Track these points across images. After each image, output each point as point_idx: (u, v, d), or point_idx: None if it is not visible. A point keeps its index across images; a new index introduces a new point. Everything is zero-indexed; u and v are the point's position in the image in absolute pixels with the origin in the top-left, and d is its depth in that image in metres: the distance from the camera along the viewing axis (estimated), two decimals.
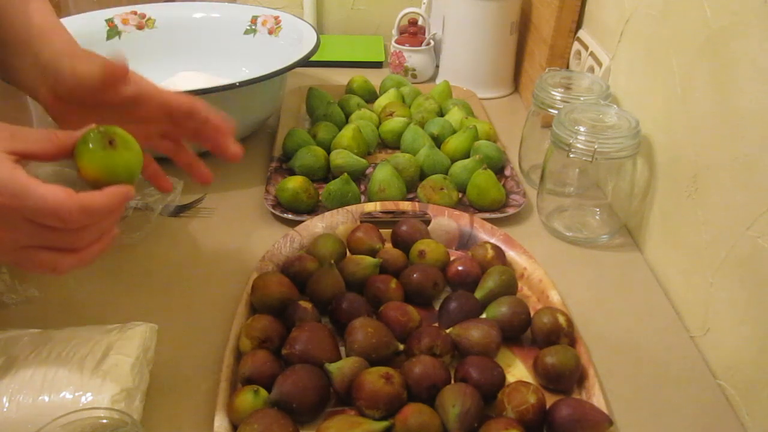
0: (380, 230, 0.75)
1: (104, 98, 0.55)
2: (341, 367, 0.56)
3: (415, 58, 1.22)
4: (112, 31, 1.07)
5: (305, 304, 0.63)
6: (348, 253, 0.73)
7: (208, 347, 0.63)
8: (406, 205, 0.80)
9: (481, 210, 0.83)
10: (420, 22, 1.26)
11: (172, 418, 0.56)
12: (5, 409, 0.50)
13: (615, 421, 0.56)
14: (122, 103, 0.56)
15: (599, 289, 0.73)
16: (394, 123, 0.97)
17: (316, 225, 0.76)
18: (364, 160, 0.89)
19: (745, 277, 0.59)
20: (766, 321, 0.56)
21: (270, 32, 1.10)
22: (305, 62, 0.91)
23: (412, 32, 1.23)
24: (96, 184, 0.47)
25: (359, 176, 0.88)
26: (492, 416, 0.55)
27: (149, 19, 1.10)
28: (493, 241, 0.75)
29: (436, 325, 0.65)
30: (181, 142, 0.63)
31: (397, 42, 1.23)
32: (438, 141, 0.94)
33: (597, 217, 0.84)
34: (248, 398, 0.53)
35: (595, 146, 0.72)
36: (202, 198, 0.86)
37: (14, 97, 1.05)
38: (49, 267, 0.47)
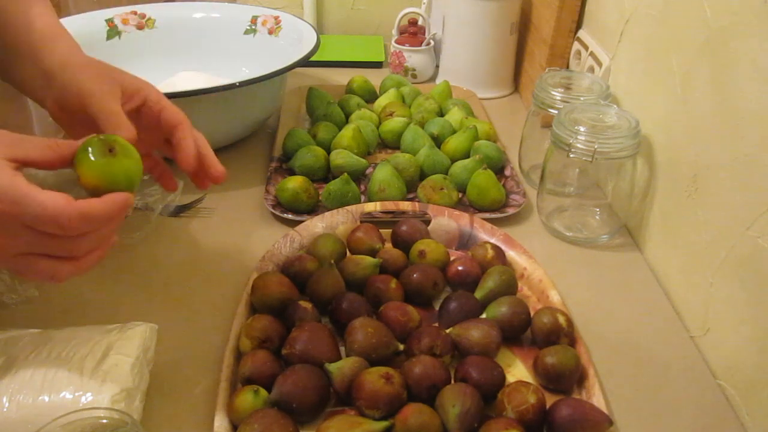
0: (380, 230, 0.75)
1: None
2: (341, 367, 0.56)
3: (415, 58, 1.22)
4: (112, 31, 1.07)
5: (305, 304, 0.63)
6: (348, 253, 0.73)
7: (208, 347, 0.63)
8: (406, 205, 0.80)
9: (481, 210, 0.83)
10: (420, 22, 1.26)
11: (172, 418, 0.56)
12: (5, 409, 0.50)
13: (615, 421, 0.56)
14: (128, 114, 0.56)
15: (599, 289, 0.73)
16: (394, 123, 0.97)
17: (316, 225, 0.76)
18: (364, 160, 0.89)
19: (745, 277, 0.59)
20: (766, 321, 0.56)
21: (270, 32, 1.10)
22: (305, 62, 0.92)
23: (412, 32, 1.23)
24: (96, 192, 0.47)
25: (359, 176, 0.88)
26: (492, 416, 0.55)
27: (149, 19, 1.10)
28: (493, 241, 0.75)
29: (436, 325, 0.65)
30: None
31: (397, 42, 1.23)
32: (438, 141, 0.94)
33: (597, 217, 0.84)
34: (248, 398, 0.53)
35: (595, 146, 0.72)
36: (202, 198, 0.86)
37: (14, 99, 1.05)
38: (48, 274, 0.47)
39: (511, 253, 0.74)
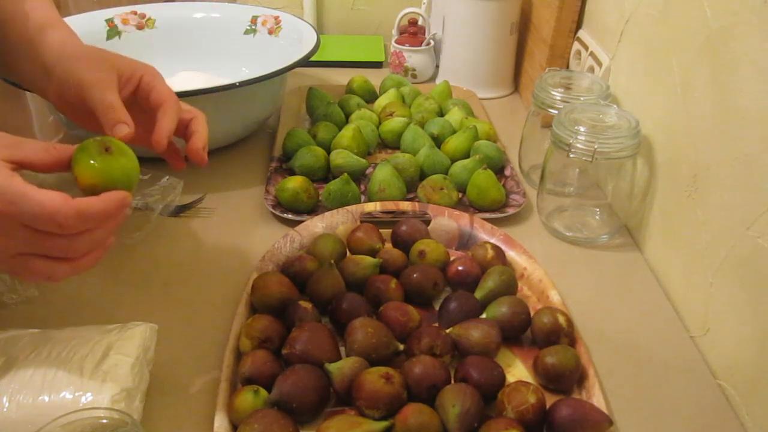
0: (380, 230, 0.75)
1: None
2: (341, 367, 0.56)
3: (415, 58, 1.22)
4: (112, 31, 1.07)
5: (305, 304, 0.63)
6: (348, 253, 0.73)
7: (208, 347, 0.63)
8: (406, 205, 0.80)
9: (481, 210, 0.83)
10: (420, 22, 1.26)
11: (172, 418, 0.56)
12: (5, 409, 0.50)
13: (615, 421, 0.56)
14: (127, 98, 0.56)
15: (599, 289, 0.73)
16: (394, 123, 0.97)
17: (316, 225, 0.76)
18: (364, 160, 0.89)
19: (745, 277, 0.59)
20: (766, 321, 0.56)
21: (270, 32, 1.10)
22: (305, 62, 0.92)
23: (412, 32, 1.23)
24: (93, 192, 0.47)
25: (359, 176, 0.88)
26: (492, 416, 0.55)
27: (149, 19, 1.10)
28: (493, 241, 0.75)
29: (436, 325, 0.65)
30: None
31: (397, 42, 1.23)
32: (438, 141, 0.94)
33: (597, 217, 0.84)
34: (248, 398, 0.53)
35: (595, 146, 0.72)
36: (202, 198, 0.86)
37: (14, 99, 1.05)
38: (45, 275, 0.47)
39: (511, 253, 0.74)
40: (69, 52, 0.56)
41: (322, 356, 0.57)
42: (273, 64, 0.88)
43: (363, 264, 0.68)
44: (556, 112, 0.80)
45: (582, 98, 0.82)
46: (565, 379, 0.58)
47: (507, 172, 0.90)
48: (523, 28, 1.18)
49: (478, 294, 0.67)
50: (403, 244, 0.74)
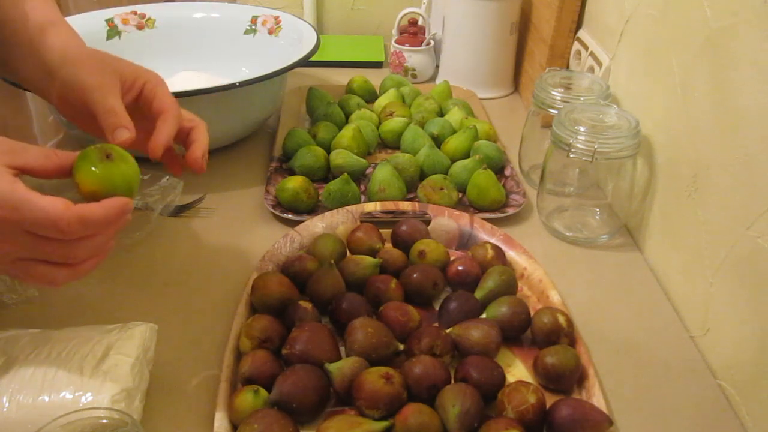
0: (380, 230, 0.75)
1: None
2: (341, 367, 0.56)
3: (415, 58, 1.22)
4: (112, 31, 1.07)
5: (305, 304, 0.63)
6: (348, 253, 0.73)
7: (208, 347, 0.63)
8: (406, 205, 0.80)
9: (481, 210, 0.83)
10: (420, 22, 1.26)
11: (172, 418, 0.56)
12: (5, 409, 0.50)
13: (615, 421, 0.56)
14: (129, 104, 0.56)
15: (599, 289, 0.73)
16: (394, 123, 0.97)
17: (316, 225, 0.76)
18: (364, 160, 0.89)
19: (745, 277, 0.59)
20: (766, 321, 0.56)
21: (270, 32, 1.10)
22: (305, 62, 0.92)
23: (412, 32, 1.23)
24: (95, 198, 0.47)
25: (359, 176, 0.88)
26: (492, 416, 0.55)
27: (149, 19, 1.10)
28: (493, 241, 0.75)
29: (436, 325, 0.65)
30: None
31: (397, 42, 1.23)
32: (438, 141, 0.94)
33: (597, 217, 0.84)
34: (248, 398, 0.53)
35: (595, 146, 0.72)
36: (202, 198, 0.86)
37: (14, 100, 1.05)
38: (45, 279, 0.47)
39: (511, 253, 0.74)
40: (72, 55, 0.56)
41: (322, 356, 0.57)
42: (273, 64, 0.88)
43: (363, 264, 0.68)
44: (556, 112, 0.80)
45: (582, 98, 0.82)
46: (565, 379, 0.58)
47: (507, 172, 0.90)
48: (523, 28, 1.18)
49: (478, 294, 0.67)
50: (403, 244, 0.74)
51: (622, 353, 0.64)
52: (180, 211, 0.83)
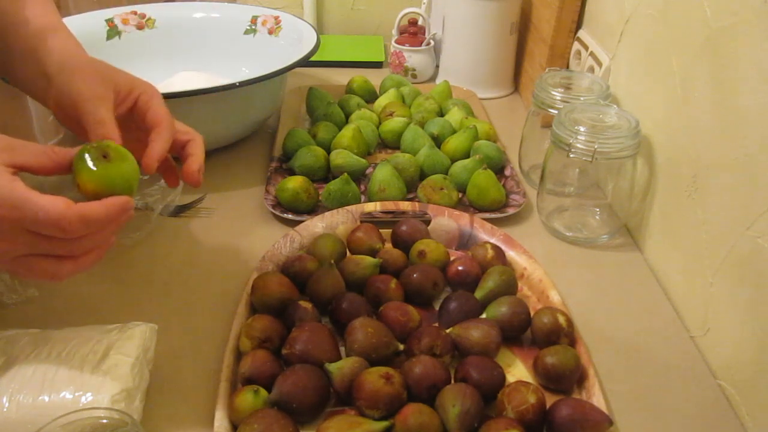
0: (380, 230, 0.75)
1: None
2: (341, 367, 0.56)
3: (415, 58, 1.22)
4: (112, 31, 1.07)
5: (305, 304, 0.63)
6: (348, 253, 0.73)
7: (208, 347, 0.63)
8: (406, 205, 0.80)
9: (481, 210, 0.83)
10: (420, 22, 1.26)
11: (172, 418, 0.56)
12: (5, 409, 0.50)
13: (615, 421, 0.56)
14: (123, 115, 0.56)
15: (599, 289, 0.73)
16: (394, 123, 0.97)
17: (316, 225, 0.76)
18: (364, 160, 0.89)
19: (745, 277, 0.59)
20: (766, 321, 0.56)
21: (270, 32, 1.10)
22: (305, 62, 0.92)
23: (412, 32, 1.23)
24: (95, 197, 0.47)
25: (359, 176, 0.88)
26: (492, 416, 0.55)
27: (149, 19, 1.10)
28: (493, 241, 0.75)
29: (436, 325, 0.65)
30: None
31: (397, 42, 1.23)
32: (438, 141, 0.94)
33: (597, 217, 0.84)
34: (248, 398, 0.53)
35: (595, 146, 0.72)
36: (202, 198, 0.86)
37: (14, 100, 1.05)
38: (48, 274, 0.48)
39: (511, 253, 0.74)
40: (69, 63, 0.56)
41: (322, 356, 0.57)
42: (273, 64, 0.88)
43: (363, 264, 0.68)
44: (556, 112, 0.80)
45: (582, 98, 0.82)
46: (565, 379, 0.58)
47: (507, 172, 0.90)
48: (523, 28, 1.18)
49: (478, 294, 0.67)
50: (403, 244, 0.74)
51: (622, 353, 0.64)
52: (180, 211, 0.83)
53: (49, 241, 0.46)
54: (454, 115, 1.00)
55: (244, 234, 0.80)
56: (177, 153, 0.60)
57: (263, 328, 0.60)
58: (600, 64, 0.92)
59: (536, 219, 0.84)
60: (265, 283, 0.64)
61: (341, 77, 1.18)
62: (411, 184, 0.86)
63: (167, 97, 0.78)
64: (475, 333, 0.60)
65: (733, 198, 0.61)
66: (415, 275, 0.67)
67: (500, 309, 0.63)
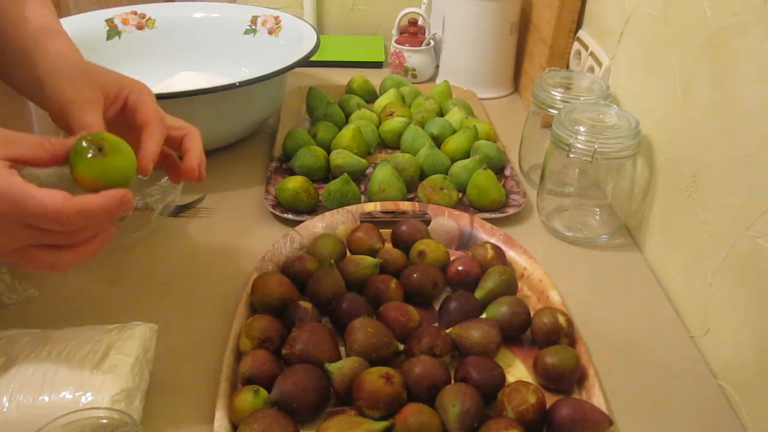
0: (380, 230, 0.75)
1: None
2: (341, 367, 0.56)
3: (415, 58, 1.22)
4: (112, 31, 1.07)
5: (305, 304, 0.63)
6: (348, 253, 0.73)
7: (208, 347, 0.63)
8: (406, 205, 0.80)
9: (481, 210, 0.83)
10: (420, 22, 1.26)
11: (172, 418, 0.56)
12: (5, 409, 0.50)
13: (615, 421, 0.56)
14: (114, 117, 0.56)
15: (599, 289, 0.73)
16: (394, 123, 0.97)
17: (316, 225, 0.76)
18: (364, 160, 0.89)
19: (745, 277, 0.59)
20: (766, 321, 0.56)
21: (270, 32, 1.10)
22: (305, 62, 0.92)
23: (412, 32, 1.23)
24: (94, 191, 0.47)
25: (359, 176, 0.88)
26: (492, 416, 0.55)
27: (149, 19, 1.10)
28: (493, 241, 0.75)
29: (436, 325, 0.65)
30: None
31: (397, 42, 1.23)
32: (438, 141, 0.94)
33: (597, 217, 0.84)
34: (248, 398, 0.53)
35: (595, 146, 0.72)
36: (202, 198, 0.86)
37: (14, 99, 1.05)
38: (49, 265, 0.48)
39: (511, 253, 0.74)
40: (59, 68, 0.56)
41: (322, 356, 0.57)
42: (273, 64, 0.88)
43: (363, 264, 0.68)
44: (556, 112, 0.80)
45: (582, 98, 0.82)
46: (565, 379, 0.58)
47: (507, 172, 0.90)
48: (523, 28, 1.18)
49: (478, 294, 0.66)
50: (403, 244, 0.74)
51: (622, 353, 0.64)
52: (180, 211, 0.83)
53: (47, 235, 0.46)
54: (454, 115, 1.00)
55: (244, 234, 0.80)
56: (175, 149, 0.60)
57: (263, 328, 0.60)
58: (600, 64, 0.92)
59: (536, 219, 0.84)
60: (265, 283, 0.64)
61: (341, 77, 1.18)
62: (411, 184, 0.86)
63: (167, 97, 0.79)
64: (475, 333, 0.60)
65: (733, 198, 0.61)
66: (415, 275, 0.67)
67: (500, 309, 0.63)
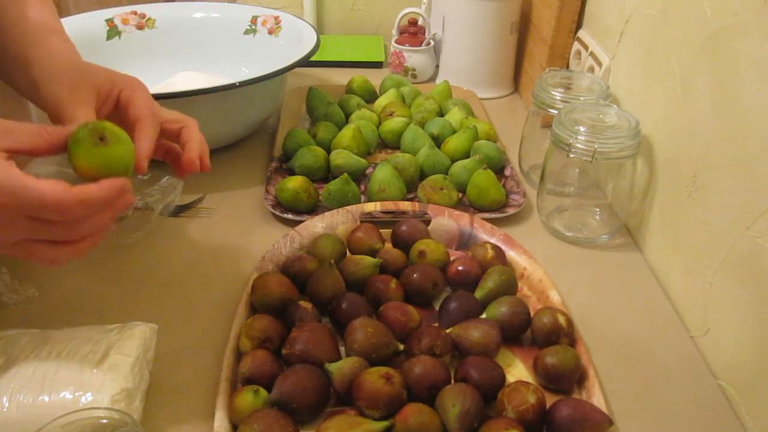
0: (380, 230, 0.75)
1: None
2: (341, 367, 0.56)
3: (415, 58, 1.22)
4: (112, 31, 1.07)
5: (305, 304, 0.63)
6: (348, 253, 0.73)
7: (208, 347, 0.63)
8: (406, 205, 0.80)
9: (481, 210, 0.83)
10: (420, 22, 1.26)
11: (172, 418, 0.56)
12: (5, 409, 0.50)
13: (615, 421, 0.56)
14: (109, 114, 0.56)
15: (599, 289, 0.73)
16: (394, 123, 0.97)
17: (316, 225, 0.76)
18: (364, 160, 0.89)
19: (745, 277, 0.59)
20: (766, 321, 0.56)
21: (270, 32, 1.10)
22: (305, 62, 0.92)
23: (412, 32, 1.23)
24: (93, 179, 0.47)
25: (359, 176, 0.88)
26: (492, 416, 0.55)
27: (149, 19, 1.10)
28: (493, 241, 0.75)
29: (436, 325, 0.65)
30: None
31: (397, 42, 1.23)
32: (438, 141, 0.94)
33: (597, 217, 0.84)
34: (248, 398, 0.53)
35: (595, 146, 0.72)
36: (202, 198, 0.86)
37: (14, 99, 1.05)
38: (48, 258, 0.48)
39: (511, 253, 0.74)
40: (54, 69, 0.55)
41: (322, 356, 0.57)
42: (273, 64, 0.88)
43: (363, 264, 0.68)
44: (556, 112, 0.80)
45: (582, 98, 0.82)
46: (565, 379, 0.58)
47: (507, 172, 0.90)
48: (523, 28, 1.18)
49: (478, 294, 0.67)
50: (403, 244, 0.74)
51: (622, 353, 0.64)
52: (180, 211, 0.83)
53: (47, 227, 0.46)
54: (454, 115, 1.00)
55: (244, 234, 0.80)
56: (173, 142, 0.59)
57: (263, 328, 0.60)
58: (600, 64, 0.92)
59: (536, 219, 0.84)
60: (265, 283, 0.64)
61: (341, 77, 1.18)
62: (411, 184, 0.86)
63: (167, 97, 0.79)
64: (475, 333, 0.60)
65: (733, 198, 0.61)
66: (415, 275, 0.67)
67: (500, 309, 0.63)
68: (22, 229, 0.45)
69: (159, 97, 0.59)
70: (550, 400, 0.56)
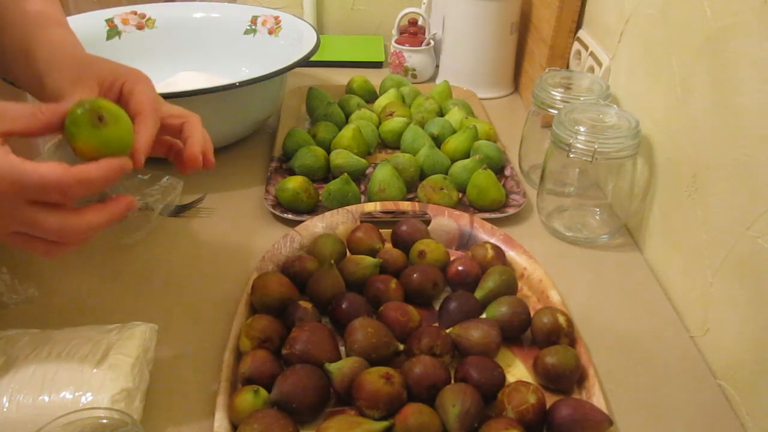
0: (380, 230, 0.75)
1: None
2: (341, 367, 0.56)
3: (415, 58, 1.22)
4: (112, 31, 1.07)
5: (305, 304, 0.63)
6: (348, 253, 0.73)
7: (208, 347, 0.63)
8: (406, 205, 0.80)
9: (481, 210, 0.83)
10: (420, 22, 1.26)
11: (172, 418, 0.56)
12: (5, 409, 0.50)
13: (615, 421, 0.56)
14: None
15: (599, 289, 0.73)
16: (394, 123, 0.97)
17: (316, 225, 0.76)
18: (364, 160, 0.89)
19: (745, 277, 0.59)
20: (766, 321, 0.56)
21: (270, 32, 1.10)
22: (305, 62, 0.92)
23: (412, 32, 1.23)
24: (91, 159, 0.47)
25: (359, 176, 0.88)
26: (492, 416, 0.55)
27: (149, 19, 1.10)
28: (493, 241, 0.75)
29: (436, 325, 0.65)
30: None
31: (397, 42, 1.23)
32: (438, 141, 0.94)
33: (597, 217, 0.84)
34: (248, 398, 0.53)
35: (595, 146, 0.72)
36: (202, 198, 0.86)
37: (14, 99, 1.05)
38: (42, 251, 0.48)
39: (511, 253, 0.74)
40: (57, 60, 0.55)
41: (322, 356, 0.57)
42: (273, 64, 0.88)
43: (363, 264, 0.68)
44: (556, 112, 0.80)
45: (582, 98, 0.82)
46: (565, 379, 0.58)
47: (507, 172, 0.90)
48: (523, 28, 1.18)
49: (478, 294, 0.67)
50: (403, 244, 0.74)
51: (622, 353, 0.64)
52: (180, 211, 0.83)
53: (45, 220, 0.46)
54: (454, 115, 1.00)
55: (244, 234, 0.80)
56: (175, 138, 0.58)
57: (263, 328, 0.60)
58: (600, 64, 0.92)
59: (536, 219, 0.84)
60: (265, 283, 0.64)
61: (341, 77, 1.18)
62: (411, 184, 0.86)
63: (167, 97, 0.78)
64: (475, 333, 0.60)
65: (733, 198, 0.61)
66: (415, 275, 0.67)
67: (500, 309, 0.63)
68: (21, 222, 0.46)
69: None
70: (550, 400, 0.56)
